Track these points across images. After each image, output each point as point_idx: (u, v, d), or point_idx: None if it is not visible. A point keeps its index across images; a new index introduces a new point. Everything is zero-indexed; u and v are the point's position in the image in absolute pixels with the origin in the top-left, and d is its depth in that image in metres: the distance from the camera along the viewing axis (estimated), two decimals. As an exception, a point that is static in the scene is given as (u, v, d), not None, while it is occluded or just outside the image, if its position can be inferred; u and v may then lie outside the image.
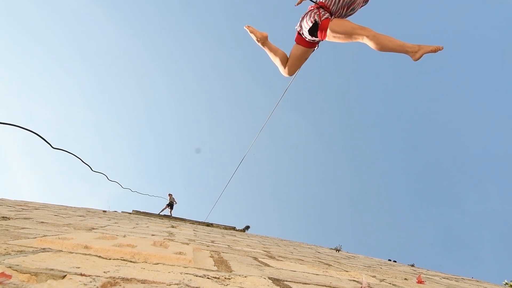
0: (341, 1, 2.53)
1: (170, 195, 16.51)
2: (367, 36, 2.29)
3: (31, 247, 1.33)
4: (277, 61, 2.87)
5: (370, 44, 2.31)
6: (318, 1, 2.60)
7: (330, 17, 2.53)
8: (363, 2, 2.67)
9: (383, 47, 2.29)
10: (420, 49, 2.23)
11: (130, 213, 11.57)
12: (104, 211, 7.97)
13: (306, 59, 2.84)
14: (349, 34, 2.39)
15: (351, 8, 2.60)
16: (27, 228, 2.06)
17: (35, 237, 1.65)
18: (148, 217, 9.84)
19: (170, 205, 16.17)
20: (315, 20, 2.52)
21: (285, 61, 2.86)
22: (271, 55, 2.89)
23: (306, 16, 2.60)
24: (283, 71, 2.89)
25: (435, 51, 2.24)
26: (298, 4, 2.55)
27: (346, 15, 2.66)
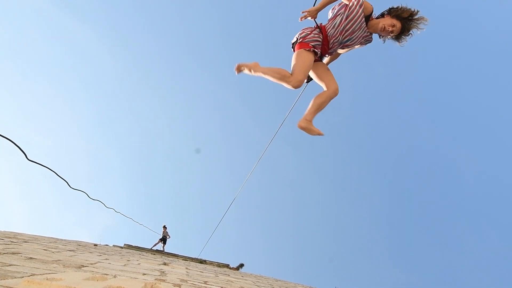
0: (340, 27, 2.65)
1: (164, 227, 16.08)
2: (288, 77, 2.66)
3: (18, 288, 1.29)
4: (275, 78, 2.73)
5: (286, 82, 2.66)
6: (319, 23, 2.77)
7: (313, 45, 2.70)
8: (362, 39, 2.75)
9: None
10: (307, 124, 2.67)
11: (121, 247, 11.21)
12: (95, 245, 7.74)
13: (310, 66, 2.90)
14: (292, 66, 2.72)
15: (348, 37, 2.70)
16: (14, 265, 1.99)
17: (22, 276, 1.60)
18: (140, 252, 9.53)
19: (163, 239, 15.69)
20: (298, 37, 2.79)
21: (284, 74, 2.73)
22: (269, 77, 2.76)
23: (302, 30, 2.82)
24: (289, 84, 2.68)
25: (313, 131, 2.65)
26: (302, 19, 2.78)
27: (343, 44, 2.79)
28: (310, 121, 2.65)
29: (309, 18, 2.73)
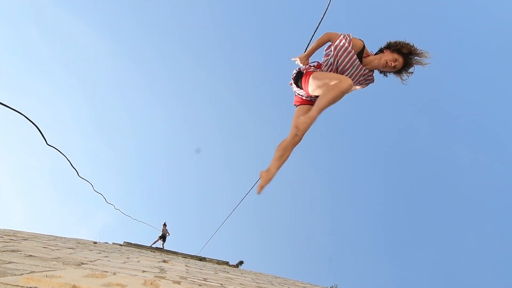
0: (333, 65, 2.52)
1: (164, 224, 16.11)
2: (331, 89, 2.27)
3: (17, 286, 1.29)
4: (286, 151, 2.64)
5: (323, 101, 2.29)
6: (316, 63, 2.67)
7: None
8: (360, 77, 2.58)
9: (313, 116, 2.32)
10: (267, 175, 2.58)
11: (121, 245, 11.24)
12: (95, 243, 7.75)
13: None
14: (321, 86, 2.37)
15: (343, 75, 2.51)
16: (14, 262, 1.99)
17: (22, 274, 1.60)
18: (140, 250, 9.56)
19: (163, 237, 15.72)
20: (299, 69, 2.63)
21: (290, 137, 2.63)
22: (286, 155, 2.66)
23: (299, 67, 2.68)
24: (294, 141, 2.61)
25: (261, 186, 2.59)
26: (297, 59, 2.65)
27: None
28: (268, 171, 2.56)
29: (301, 64, 2.62)
